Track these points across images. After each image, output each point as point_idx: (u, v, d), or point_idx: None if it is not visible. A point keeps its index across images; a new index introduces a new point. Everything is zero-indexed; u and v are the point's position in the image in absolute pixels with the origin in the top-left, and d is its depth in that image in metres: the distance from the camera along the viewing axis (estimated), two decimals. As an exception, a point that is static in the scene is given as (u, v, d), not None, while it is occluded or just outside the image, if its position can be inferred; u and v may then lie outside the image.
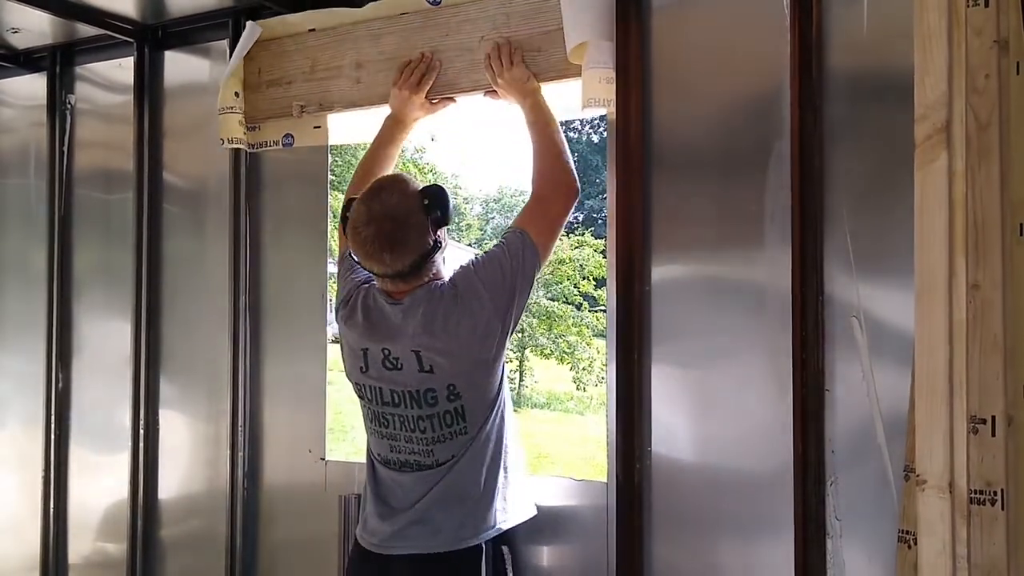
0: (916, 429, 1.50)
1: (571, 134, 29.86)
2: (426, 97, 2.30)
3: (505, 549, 2.06)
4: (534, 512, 2.13)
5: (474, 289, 1.95)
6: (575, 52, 2.09)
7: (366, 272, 2.08)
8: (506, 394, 2.05)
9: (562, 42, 2.10)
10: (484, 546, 1.99)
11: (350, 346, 2.08)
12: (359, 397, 2.09)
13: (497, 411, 2.01)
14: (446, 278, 2.03)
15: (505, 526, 2.02)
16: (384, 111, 2.38)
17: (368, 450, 2.13)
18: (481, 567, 1.98)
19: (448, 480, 1.98)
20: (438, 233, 1.99)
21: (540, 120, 2.11)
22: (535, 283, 2.04)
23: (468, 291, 1.95)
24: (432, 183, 2.04)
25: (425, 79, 2.27)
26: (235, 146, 2.64)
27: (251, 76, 2.63)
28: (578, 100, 2.12)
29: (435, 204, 1.96)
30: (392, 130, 2.33)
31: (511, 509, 2.05)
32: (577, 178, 2.08)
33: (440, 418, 1.96)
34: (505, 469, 2.03)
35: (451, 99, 2.33)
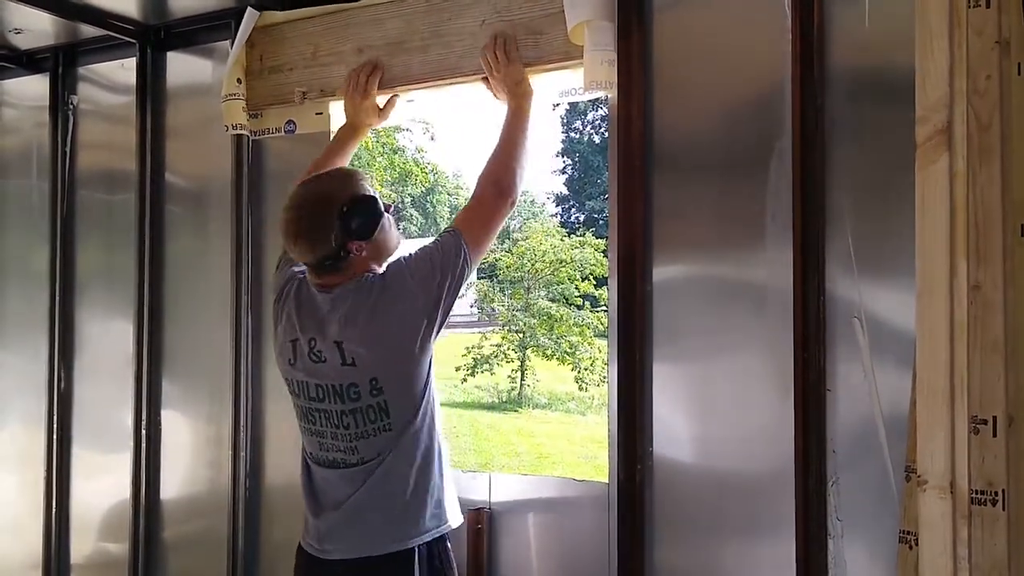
0: (917, 429, 1.50)
1: (573, 135, 29.91)
2: (427, 83, 2.34)
3: (445, 546, 1.98)
4: (461, 521, 2.05)
5: (402, 280, 1.93)
6: (575, 32, 2.09)
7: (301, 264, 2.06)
8: (435, 396, 1.99)
9: (563, 25, 2.11)
10: (418, 550, 1.93)
11: (281, 338, 2.05)
12: (290, 393, 2.06)
13: (425, 410, 1.95)
14: (381, 270, 1.99)
15: (438, 532, 1.96)
16: (386, 98, 2.41)
17: (302, 448, 2.09)
18: (415, 571, 1.91)
19: (376, 479, 1.93)
20: (352, 244, 1.91)
21: (517, 123, 2.12)
22: (464, 284, 2.00)
23: (396, 282, 1.94)
24: (367, 195, 1.95)
25: (371, 81, 2.34)
26: (239, 132, 2.66)
27: (253, 62, 2.64)
28: (580, 82, 2.13)
29: (353, 214, 1.90)
30: (347, 135, 2.38)
31: (445, 515, 1.98)
32: (519, 190, 2.06)
33: (363, 413, 1.92)
34: (440, 472, 1.97)
35: (395, 98, 2.40)
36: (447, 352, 11.99)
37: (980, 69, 1.44)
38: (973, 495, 1.42)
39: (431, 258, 1.94)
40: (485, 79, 2.24)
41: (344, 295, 1.94)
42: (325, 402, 1.95)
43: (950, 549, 1.43)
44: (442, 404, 2.05)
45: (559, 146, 30.20)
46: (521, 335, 13.21)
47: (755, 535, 2.00)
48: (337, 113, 2.58)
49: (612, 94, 2.13)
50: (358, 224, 1.90)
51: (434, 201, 27.43)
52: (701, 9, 2.10)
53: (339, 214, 1.89)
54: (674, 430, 2.10)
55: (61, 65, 3.15)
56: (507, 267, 14.30)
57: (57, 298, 3.12)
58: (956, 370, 1.44)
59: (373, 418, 1.91)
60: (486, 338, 13.50)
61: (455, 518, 2.01)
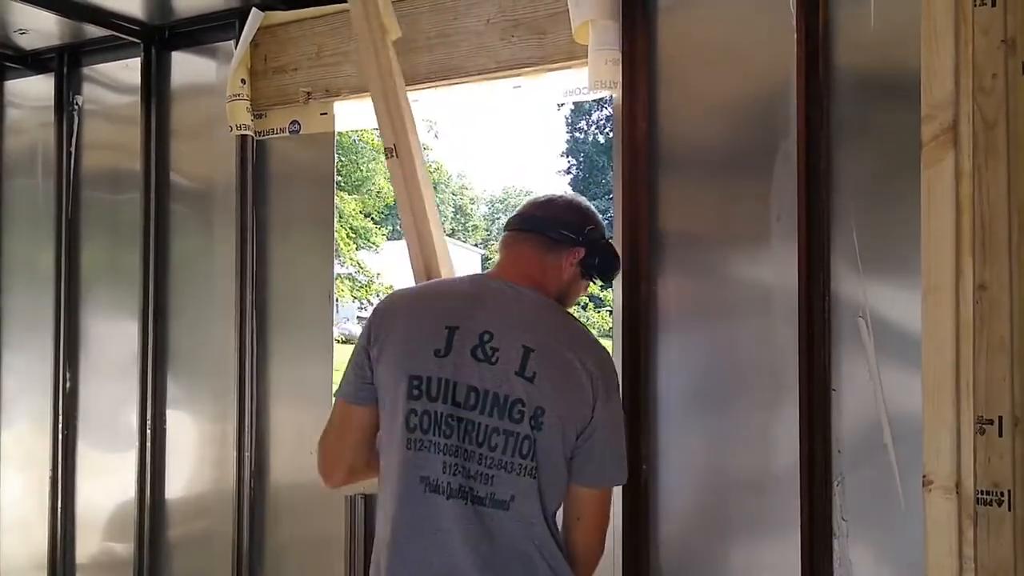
0: (924, 429, 1.50)
1: (577, 134, 29.91)
2: (432, 83, 2.33)
3: None
4: None
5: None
6: (580, 32, 2.10)
7: None
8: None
9: (568, 24, 2.11)
10: None
11: (423, 324, 1.65)
12: (404, 395, 1.59)
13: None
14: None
15: None
16: None
17: (391, 468, 1.61)
18: None
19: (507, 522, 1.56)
20: (577, 253, 1.71)
21: None
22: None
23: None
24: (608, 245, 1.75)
25: None
26: (243, 132, 2.68)
27: (258, 63, 2.65)
28: (584, 82, 2.14)
29: (603, 251, 1.74)
30: None
31: None
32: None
33: (516, 441, 1.58)
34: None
35: None
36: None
37: (986, 68, 1.43)
38: (979, 495, 1.42)
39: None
40: None
41: (543, 302, 1.67)
42: (476, 411, 1.58)
43: (955, 549, 1.42)
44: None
45: (563, 146, 30.24)
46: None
47: (760, 535, 2.00)
48: (342, 113, 2.59)
49: (617, 94, 2.13)
50: (600, 267, 1.75)
51: (437, 201, 27.42)
52: (706, 8, 2.10)
53: (591, 234, 1.71)
54: (679, 430, 2.10)
55: (66, 65, 3.16)
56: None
57: (62, 298, 3.13)
58: (962, 370, 1.43)
59: (525, 452, 1.56)
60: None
61: None
